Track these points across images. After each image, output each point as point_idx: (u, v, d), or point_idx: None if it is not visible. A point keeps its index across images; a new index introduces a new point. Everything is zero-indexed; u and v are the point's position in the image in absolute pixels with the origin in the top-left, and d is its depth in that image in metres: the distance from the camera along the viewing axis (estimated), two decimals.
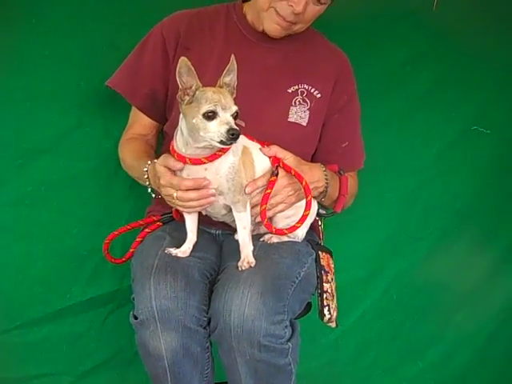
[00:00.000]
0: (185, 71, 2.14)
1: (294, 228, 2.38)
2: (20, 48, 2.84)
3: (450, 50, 3.16)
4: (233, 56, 2.19)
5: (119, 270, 2.89)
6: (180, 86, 2.17)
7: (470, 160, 3.24)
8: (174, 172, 2.26)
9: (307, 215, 2.37)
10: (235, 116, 2.15)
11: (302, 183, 2.33)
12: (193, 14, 2.67)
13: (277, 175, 2.31)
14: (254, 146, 2.35)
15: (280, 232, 2.38)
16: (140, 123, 2.69)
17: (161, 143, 2.76)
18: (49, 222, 2.94)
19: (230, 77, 2.20)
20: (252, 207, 2.33)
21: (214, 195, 2.26)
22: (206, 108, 2.11)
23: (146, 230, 2.58)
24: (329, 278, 2.51)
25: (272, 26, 2.53)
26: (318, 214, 2.59)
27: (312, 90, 2.62)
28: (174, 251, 2.35)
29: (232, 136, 2.09)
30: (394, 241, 3.25)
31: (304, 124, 2.61)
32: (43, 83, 2.86)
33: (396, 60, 3.16)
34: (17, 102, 2.84)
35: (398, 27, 3.14)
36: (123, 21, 2.92)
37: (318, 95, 2.63)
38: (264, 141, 2.38)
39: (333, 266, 2.57)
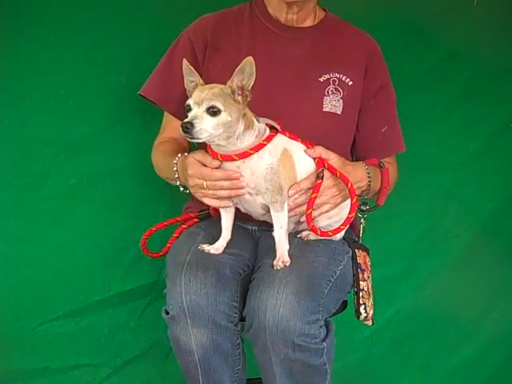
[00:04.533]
0: (187, 72, 2.17)
1: (338, 230, 2.32)
2: (62, 46, 2.82)
3: (488, 46, 3.04)
4: (249, 59, 2.09)
5: (157, 262, 2.81)
6: (186, 86, 2.19)
7: (506, 158, 3.12)
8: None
9: (351, 217, 2.29)
10: (212, 111, 2.06)
11: (347, 185, 2.25)
12: (218, 15, 2.63)
13: (322, 178, 2.22)
14: (297, 148, 2.26)
15: (325, 234, 2.30)
16: (172, 127, 2.61)
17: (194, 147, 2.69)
18: (89, 215, 2.92)
19: (238, 79, 2.11)
20: (295, 207, 2.25)
21: (244, 187, 2.19)
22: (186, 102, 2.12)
23: (183, 225, 2.52)
24: (365, 276, 2.43)
25: None
26: (361, 210, 2.51)
27: (344, 78, 2.54)
28: (206, 248, 2.29)
29: (183, 129, 2.03)
30: (429, 238, 3.15)
31: (339, 113, 2.53)
32: (85, 80, 2.85)
33: (435, 56, 3.06)
34: (61, 99, 2.83)
35: (437, 23, 3.04)
36: (162, 19, 2.88)
37: (350, 83, 2.55)
38: (307, 139, 2.29)
39: (369, 263, 2.49)
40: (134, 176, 2.94)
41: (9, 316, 2.88)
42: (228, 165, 2.18)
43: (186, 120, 2.06)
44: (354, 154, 2.69)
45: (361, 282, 2.40)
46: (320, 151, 2.25)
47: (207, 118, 2.06)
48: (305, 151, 2.26)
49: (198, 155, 2.22)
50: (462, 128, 3.11)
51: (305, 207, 2.23)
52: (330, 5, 2.72)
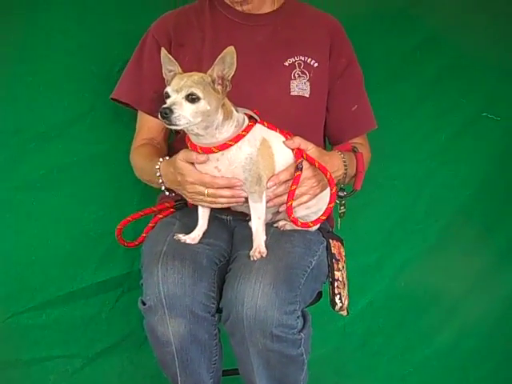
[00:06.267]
0: (166, 61, 2.17)
1: (318, 221, 2.34)
2: (33, 34, 2.84)
3: (460, 35, 3.08)
4: (230, 48, 2.10)
5: (130, 253, 2.86)
6: (164, 75, 2.18)
7: (479, 147, 3.15)
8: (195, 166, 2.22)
9: (331, 207, 2.32)
10: (191, 98, 2.06)
11: (326, 176, 2.27)
12: (178, 12, 2.67)
13: (301, 169, 2.23)
14: (276, 138, 2.26)
15: (305, 226, 2.32)
16: (148, 127, 2.64)
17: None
18: (60, 205, 2.93)
19: (219, 68, 2.12)
20: (274, 198, 2.27)
21: (245, 197, 2.22)
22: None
23: (159, 215, 2.52)
24: (340, 266, 2.45)
25: None
26: (339, 197, 2.51)
27: (308, 61, 2.57)
28: (182, 237, 2.29)
29: (161, 114, 2.04)
30: (402, 227, 3.18)
31: (307, 96, 2.56)
32: (56, 68, 2.87)
33: (406, 46, 3.09)
34: (30, 87, 2.84)
35: (409, 13, 3.07)
36: (133, 8, 2.91)
37: (316, 64, 2.58)
38: (277, 125, 2.29)
39: (344, 253, 2.51)
40: (105, 166, 2.94)
41: None
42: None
43: (164, 106, 2.05)
44: (327, 135, 2.71)
45: (336, 272, 2.42)
46: (299, 142, 2.26)
47: (186, 104, 2.06)
48: (283, 142, 2.26)
49: (182, 155, 2.22)
50: (435, 117, 3.13)
51: (283, 198, 2.25)
52: None
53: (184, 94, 2.07)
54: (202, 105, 2.08)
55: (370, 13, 3.05)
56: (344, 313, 2.46)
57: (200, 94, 2.07)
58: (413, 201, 3.19)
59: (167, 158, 2.35)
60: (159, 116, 2.05)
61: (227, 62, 2.10)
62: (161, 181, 2.36)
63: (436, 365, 3.23)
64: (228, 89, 2.14)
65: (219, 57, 2.10)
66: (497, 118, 3.15)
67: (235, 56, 2.10)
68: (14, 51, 2.82)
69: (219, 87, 2.12)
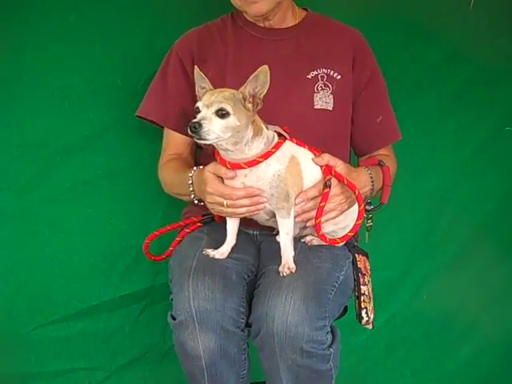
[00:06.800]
0: (198, 78, 2.22)
1: (346, 237, 2.36)
2: (59, 48, 2.87)
3: (484, 49, 3.09)
4: (264, 67, 2.14)
5: (153, 267, 2.88)
6: (197, 92, 2.23)
7: (502, 161, 3.17)
8: (222, 179, 2.25)
9: (359, 224, 2.34)
10: (221, 114, 2.10)
11: (354, 193, 2.30)
12: (201, 29, 2.70)
13: (330, 186, 2.26)
14: (304, 155, 2.29)
15: (334, 242, 2.35)
16: (174, 143, 2.68)
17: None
18: (84, 219, 2.95)
19: (252, 86, 2.16)
20: (302, 213, 2.29)
21: (264, 203, 2.23)
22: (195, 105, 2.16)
23: (186, 229, 2.55)
24: (365, 280, 2.48)
25: (253, 5, 2.52)
26: (366, 210, 2.51)
27: (331, 73, 2.59)
28: (211, 253, 2.31)
29: (190, 128, 2.07)
30: (425, 241, 3.19)
31: (330, 109, 2.58)
32: (81, 82, 2.89)
33: (430, 59, 3.11)
34: (56, 102, 2.88)
35: (434, 25, 3.08)
36: (158, 22, 2.94)
37: (339, 77, 2.59)
38: (301, 139, 2.32)
39: (369, 268, 2.54)
40: (130, 179, 2.97)
41: (3, 320, 2.92)
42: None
43: (194, 120, 2.08)
44: (353, 146, 2.72)
45: (362, 287, 2.45)
46: (327, 159, 2.28)
47: (216, 119, 2.09)
48: (312, 160, 2.29)
49: (212, 167, 2.25)
50: (458, 131, 3.14)
51: (311, 213, 2.27)
52: (327, 6, 2.82)
53: (214, 109, 2.10)
54: (232, 120, 2.11)
55: (393, 25, 3.06)
56: (370, 326, 2.49)
57: (230, 110, 2.10)
58: (436, 215, 3.20)
59: (201, 167, 2.37)
60: (188, 130, 2.08)
61: (260, 80, 2.14)
62: (191, 189, 2.39)
63: (458, 379, 3.24)
64: (259, 107, 2.17)
65: (253, 75, 2.13)
66: None
67: (269, 75, 2.13)
68: (41, 66, 2.85)
69: (250, 105, 2.15)
